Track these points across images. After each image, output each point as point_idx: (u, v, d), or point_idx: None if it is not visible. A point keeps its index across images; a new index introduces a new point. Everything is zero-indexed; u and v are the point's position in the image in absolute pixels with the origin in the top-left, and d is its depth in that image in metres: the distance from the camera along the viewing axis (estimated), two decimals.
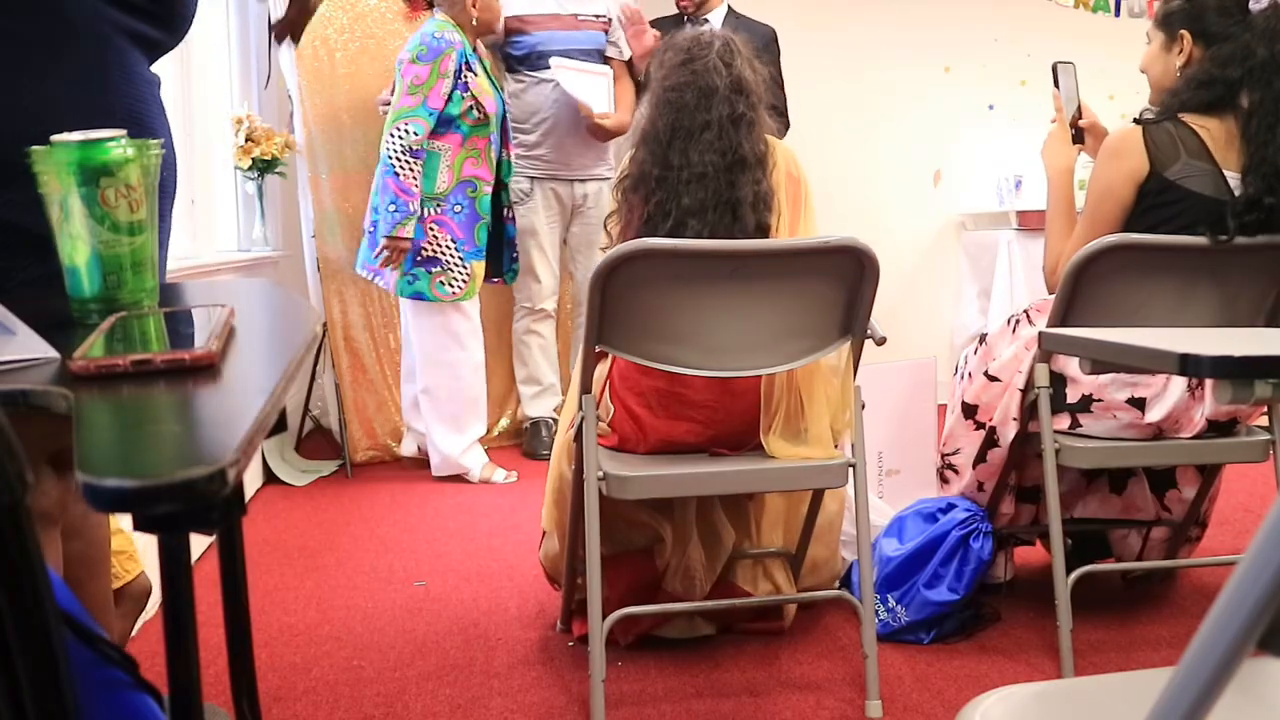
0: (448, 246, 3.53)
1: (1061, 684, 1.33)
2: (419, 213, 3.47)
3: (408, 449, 3.90)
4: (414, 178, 3.44)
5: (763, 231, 2.07)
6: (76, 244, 1.02)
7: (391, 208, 3.42)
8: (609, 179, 3.97)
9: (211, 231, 3.52)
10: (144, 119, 1.29)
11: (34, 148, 1.02)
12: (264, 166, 3.77)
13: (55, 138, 1.02)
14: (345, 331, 3.95)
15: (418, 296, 3.55)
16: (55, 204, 1.02)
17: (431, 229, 3.52)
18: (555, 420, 4.00)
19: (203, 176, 3.41)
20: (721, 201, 2.03)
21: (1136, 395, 2.11)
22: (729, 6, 4.08)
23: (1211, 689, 0.54)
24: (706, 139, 2.04)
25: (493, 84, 3.62)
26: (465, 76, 3.50)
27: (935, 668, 2.12)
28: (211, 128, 3.57)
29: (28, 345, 0.85)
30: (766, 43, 3.86)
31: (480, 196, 3.56)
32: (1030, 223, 4.46)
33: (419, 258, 3.51)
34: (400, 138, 3.43)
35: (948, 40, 4.94)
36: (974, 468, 2.28)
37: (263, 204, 3.91)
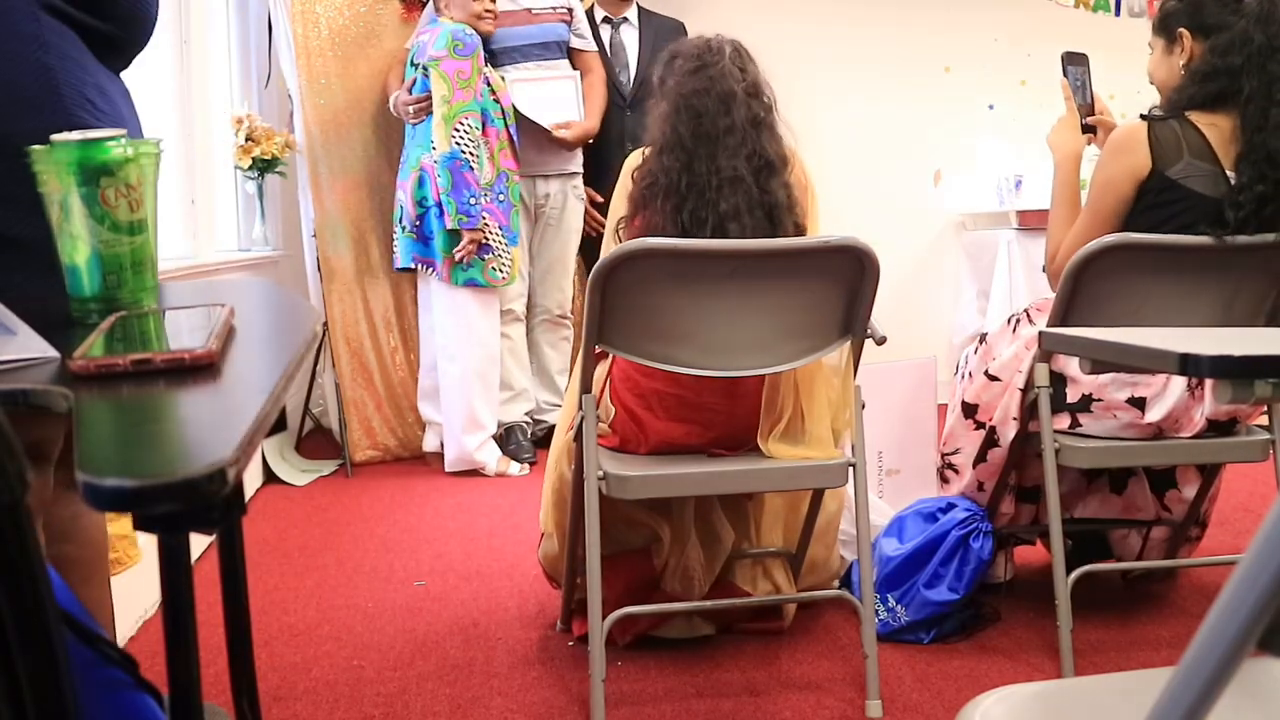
0: (495, 233, 3.64)
1: (1061, 684, 1.33)
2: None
3: (430, 444, 3.92)
4: (478, 171, 3.58)
5: (800, 233, 2.06)
6: (76, 243, 1.02)
7: (472, 201, 3.54)
8: (574, 174, 3.97)
9: (211, 231, 3.53)
10: (68, 109, 1.26)
11: (34, 147, 1.03)
12: (264, 166, 3.77)
13: (55, 137, 1.02)
14: (345, 331, 3.95)
15: (471, 284, 3.65)
16: (55, 203, 1.02)
17: (484, 217, 3.61)
18: (529, 424, 4.02)
19: (203, 176, 3.42)
20: (756, 204, 2.01)
21: (1137, 395, 2.11)
22: (638, 5, 4.09)
23: (1211, 689, 0.54)
24: (731, 143, 2.02)
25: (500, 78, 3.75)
26: (486, 71, 3.63)
27: (935, 667, 2.12)
28: (211, 127, 3.57)
29: (28, 345, 0.85)
30: (674, 35, 3.84)
31: (513, 185, 3.70)
32: (1030, 222, 4.46)
33: (482, 245, 3.65)
34: (466, 133, 3.55)
35: (948, 40, 4.94)
36: (974, 467, 2.28)
37: (263, 204, 3.91)
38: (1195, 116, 2.13)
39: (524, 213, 3.94)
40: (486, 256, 3.63)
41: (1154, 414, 2.11)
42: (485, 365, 3.72)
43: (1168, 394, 2.11)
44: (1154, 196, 2.12)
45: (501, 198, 3.66)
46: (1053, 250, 2.26)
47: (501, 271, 3.67)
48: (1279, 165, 2.04)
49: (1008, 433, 2.21)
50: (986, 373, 2.27)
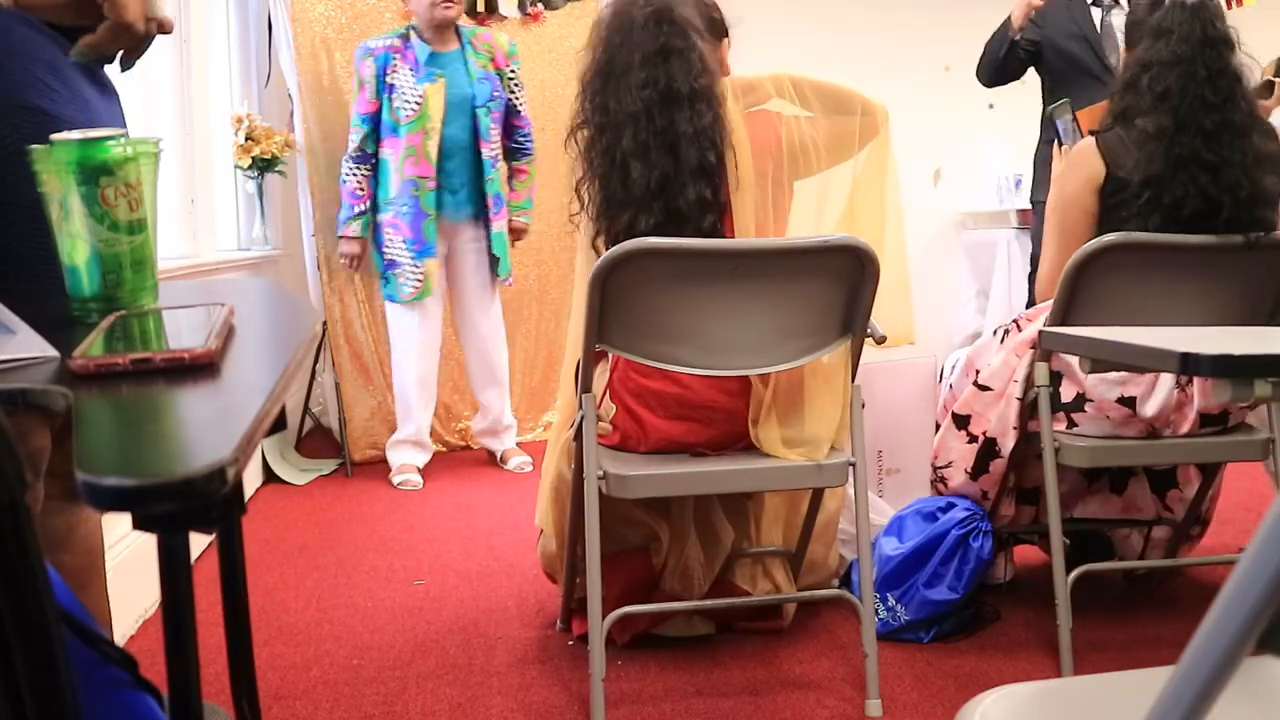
0: (400, 247, 3.59)
1: (1061, 683, 1.33)
2: (367, 214, 3.60)
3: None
4: (359, 182, 3.57)
5: (705, 172, 1.98)
6: (76, 243, 1.02)
7: (342, 212, 3.60)
8: None
9: (211, 230, 3.53)
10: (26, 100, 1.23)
11: (33, 146, 1.02)
12: (264, 165, 3.77)
13: (55, 136, 1.02)
14: (345, 330, 3.95)
15: (390, 299, 3.67)
16: (55, 203, 1.02)
17: (388, 231, 3.59)
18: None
19: (203, 175, 3.41)
20: (662, 142, 1.97)
21: (1126, 395, 2.12)
22: None
23: (1211, 688, 0.54)
24: (636, 77, 1.98)
25: (454, 76, 3.57)
26: (390, 78, 3.53)
27: (935, 667, 2.12)
28: (211, 127, 3.57)
29: (27, 344, 0.85)
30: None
31: (424, 194, 3.55)
32: (1030, 222, 4.46)
33: (385, 260, 3.62)
34: (351, 148, 3.60)
35: (948, 39, 4.94)
36: (976, 479, 2.28)
37: (263, 203, 3.92)
38: (1139, 120, 2.17)
39: None
40: (395, 271, 3.60)
41: (1148, 409, 2.11)
42: (404, 378, 3.71)
43: (1157, 391, 2.12)
44: (1114, 198, 2.17)
45: (405, 209, 3.56)
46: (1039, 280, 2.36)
47: (410, 286, 3.59)
48: (1217, 173, 2.08)
49: (1008, 443, 2.21)
50: (976, 383, 2.27)
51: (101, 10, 0.99)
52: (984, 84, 3.93)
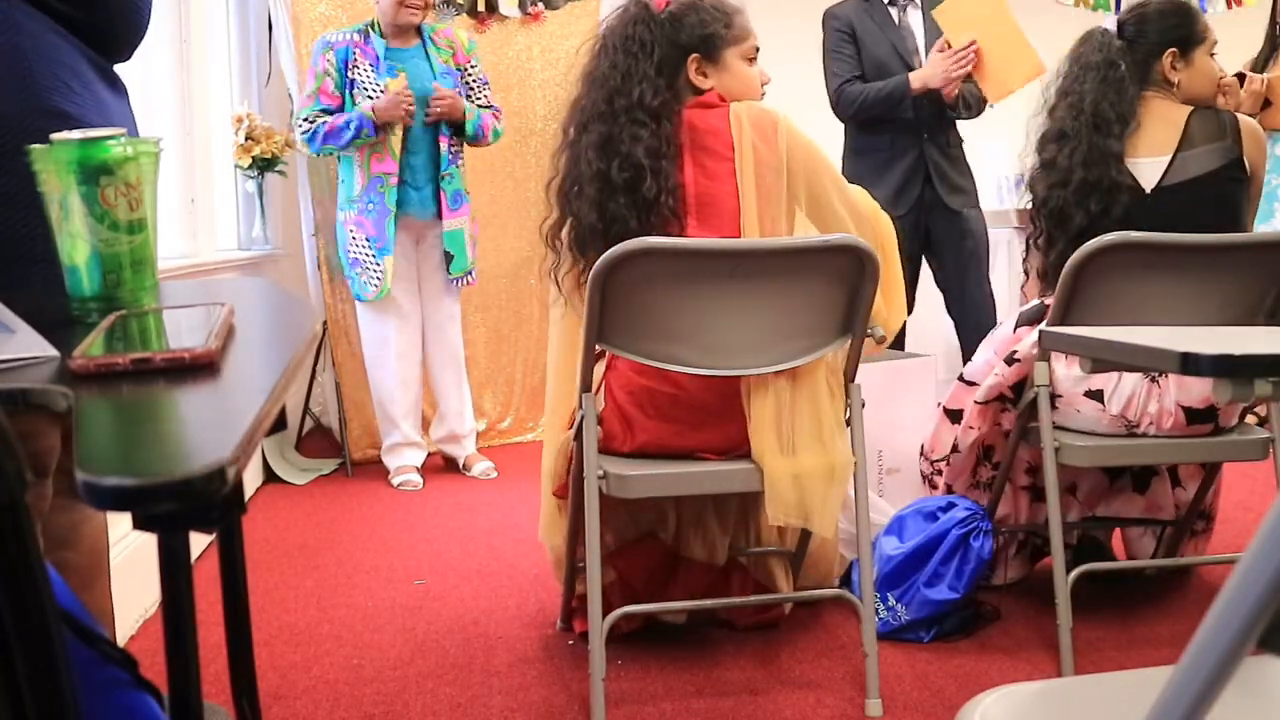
0: (363, 245, 3.55)
1: (1061, 682, 1.33)
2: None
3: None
4: (329, 118, 3.46)
5: (631, 188, 2.00)
6: (76, 243, 1.02)
7: (351, 135, 3.42)
8: None
9: (212, 230, 3.53)
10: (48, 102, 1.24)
11: (33, 146, 1.02)
12: (264, 165, 3.77)
13: (55, 136, 1.02)
14: (345, 330, 3.95)
15: (357, 298, 3.64)
16: (55, 203, 1.02)
17: (351, 229, 3.55)
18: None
19: (203, 175, 3.41)
20: (605, 162, 2.02)
21: (1093, 388, 2.13)
22: None
23: (1211, 687, 0.54)
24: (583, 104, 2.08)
25: (416, 69, 3.54)
26: (352, 74, 3.50)
27: (935, 666, 2.12)
28: (211, 126, 3.57)
29: (27, 344, 0.85)
30: None
31: (388, 190, 3.52)
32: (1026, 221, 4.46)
33: (349, 259, 3.59)
34: (302, 127, 3.49)
35: None
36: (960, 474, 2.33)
37: (263, 203, 3.92)
38: None
39: None
40: (358, 270, 3.57)
41: (1114, 406, 2.12)
42: (385, 383, 3.68)
43: (1122, 385, 2.12)
44: None
45: (370, 207, 3.52)
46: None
47: (371, 285, 3.56)
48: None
49: (966, 439, 2.28)
50: (960, 376, 2.32)
51: None
52: (845, 119, 3.90)
